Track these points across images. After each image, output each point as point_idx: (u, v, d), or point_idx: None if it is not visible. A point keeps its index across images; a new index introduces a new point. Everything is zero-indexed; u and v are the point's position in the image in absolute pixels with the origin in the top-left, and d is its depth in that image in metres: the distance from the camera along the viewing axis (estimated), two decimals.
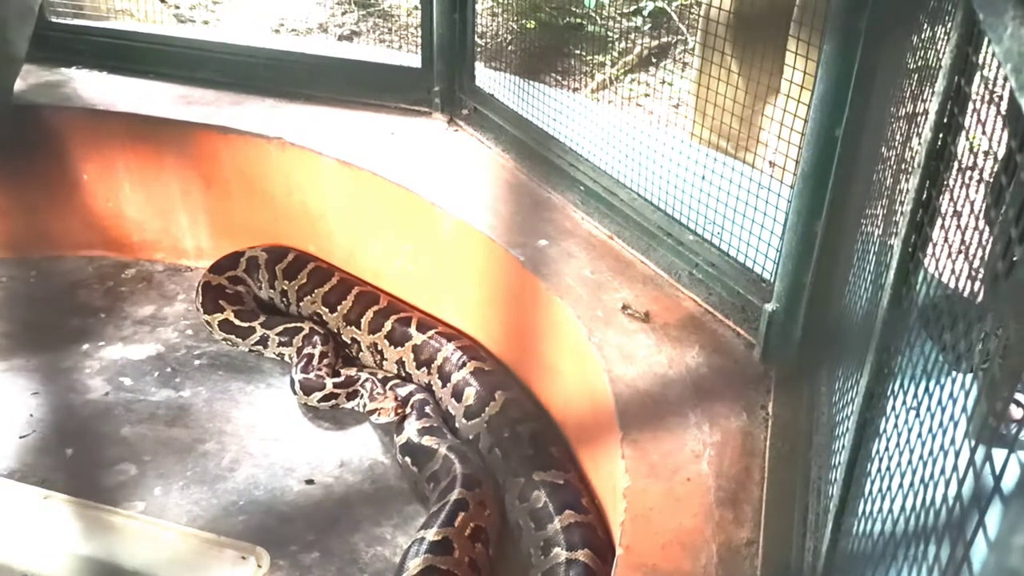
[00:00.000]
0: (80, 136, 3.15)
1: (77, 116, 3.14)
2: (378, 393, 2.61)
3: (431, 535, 2.08)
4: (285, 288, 3.02)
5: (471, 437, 2.51)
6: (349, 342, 2.88)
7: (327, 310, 2.92)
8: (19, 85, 3.05)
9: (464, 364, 2.60)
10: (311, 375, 2.64)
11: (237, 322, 2.87)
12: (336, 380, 2.65)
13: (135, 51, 3.39)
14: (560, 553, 2.04)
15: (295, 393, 2.65)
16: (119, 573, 2.01)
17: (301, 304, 2.99)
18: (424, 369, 2.69)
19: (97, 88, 3.27)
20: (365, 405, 2.61)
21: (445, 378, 2.62)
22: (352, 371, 2.73)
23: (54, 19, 3.37)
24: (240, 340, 2.88)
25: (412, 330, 2.73)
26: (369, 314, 2.82)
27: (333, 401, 2.64)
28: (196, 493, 2.38)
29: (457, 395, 2.57)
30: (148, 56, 3.38)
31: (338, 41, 5.46)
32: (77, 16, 3.48)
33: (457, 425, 2.56)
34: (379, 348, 2.80)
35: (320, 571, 2.18)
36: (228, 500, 2.36)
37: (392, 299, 2.91)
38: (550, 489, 2.20)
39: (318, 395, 2.62)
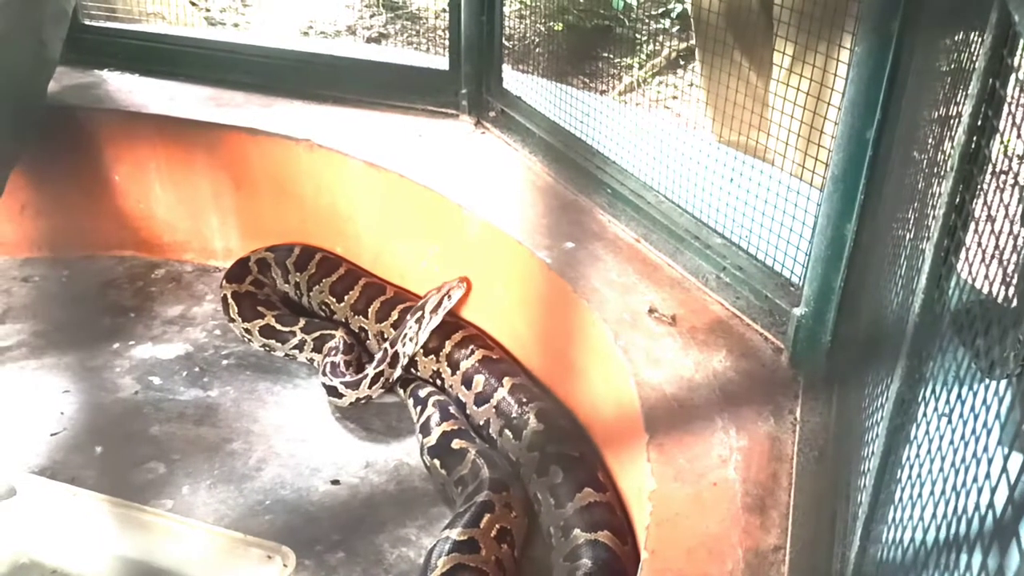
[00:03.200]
0: (112, 137, 3.19)
1: (109, 118, 3.18)
2: (416, 314, 2.65)
3: (456, 535, 2.08)
4: (298, 280, 3.06)
5: (481, 423, 2.55)
6: (357, 331, 2.92)
7: (334, 300, 2.96)
8: (53, 87, 3.09)
9: (472, 352, 2.64)
10: (346, 378, 2.65)
11: (279, 327, 2.88)
12: (371, 365, 2.65)
13: (167, 53, 3.42)
14: (580, 535, 2.06)
15: (341, 396, 2.64)
16: (147, 571, 2.03)
17: (311, 294, 3.03)
18: (432, 356, 2.71)
19: (129, 90, 3.30)
20: (419, 321, 2.63)
21: (454, 366, 2.66)
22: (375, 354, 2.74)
23: (87, 22, 3.41)
24: (280, 344, 2.89)
25: None
26: (376, 304, 2.88)
27: (382, 380, 2.64)
28: (223, 492, 2.39)
29: (467, 383, 2.62)
30: (179, 58, 3.41)
31: (366, 43, 5.49)
32: (110, 19, 3.52)
33: (468, 412, 2.60)
34: (385, 336, 2.83)
35: (345, 571, 2.18)
36: (254, 499, 2.37)
37: (399, 290, 2.96)
38: (567, 463, 2.24)
39: (367, 382, 2.62)
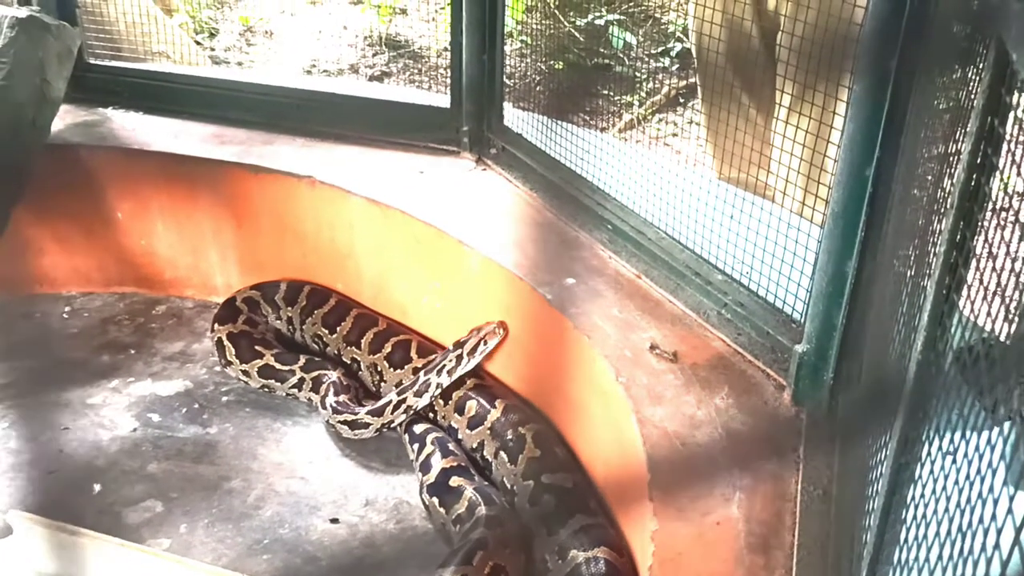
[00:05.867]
0: (115, 175, 3.20)
1: (112, 155, 3.20)
2: (455, 351, 2.61)
3: (449, 573, 2.06)
4: (290, 315, 3.06)
5: (474, 446, 2.56)
6: (350, 362, 2.93)
7: (327, 331, 2.97)
8: (57, 125, 3.11)
9: (464, 382, 2.65)
10: (367, 407, 2.64)
11: (278, 366, 2.86)
12: (394, 391, 2.65)
13: (170, 92, 3.45)
14: (577, 555, 2.05)
15: (367, 426, 2.62)
16: None
17: (303, 327, 3.03)
18: None
19: (132, 128, 3.33)
20: (459, 358, 2.60)
21: (446, 396, 2.66)
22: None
23: (93, 61, 3.44)
24: (279, 384, 2.87)
25: (412, 354, 2.79)
26: (369, 335, 2.88)
27: (404, 405, 2.62)
28: (221, 531, 2.37)
29: (459, 409, 2.63)
30: (183, 96, 3.44)
31: (369, 81, 5.53)
32: (115, 58, 3.55)
33: (460, 437, 2.61)
34: (379, 369, 2.84)
35: None
36: (253, 538, 2.35)
37: (392, 322, 2.96)
38: (559, 493, 2.25)
39: (390, 408, 2.61)
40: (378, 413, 2.63)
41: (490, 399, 2.59)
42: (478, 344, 2.60)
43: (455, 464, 2.47)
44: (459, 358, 2.61)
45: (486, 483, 2.44)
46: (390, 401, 2.62)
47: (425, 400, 2.64)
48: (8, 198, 2.79)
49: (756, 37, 3.37)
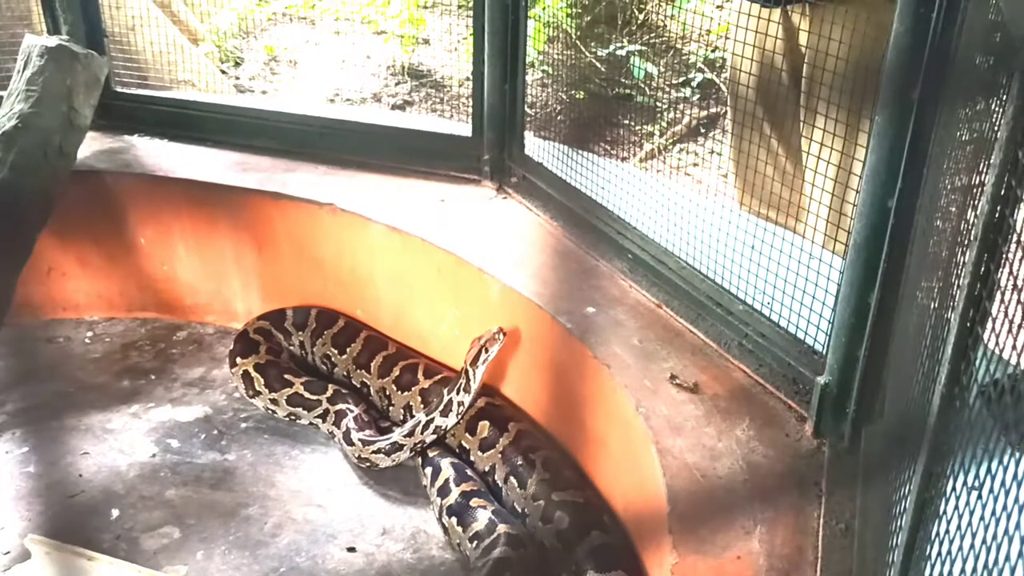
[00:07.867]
0: (139, 201, 3.24)
1: (137, 182, 3.23)
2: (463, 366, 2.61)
3: None
4: (302, 339, 3.09)
5: (486, 469, 2.57)
6: (359, 386, 2.95)
7: (336, 352, 3.00)
8: (83, 152, 3.14)
9: (476, 401, 2.66)
10: (398, 431, 2.65)
11: (307, 395, 2.86)
12: (422, 412, 2.66)
13: (195, 119, 3.49)
14: None
15: (401, 447, 2.62)
16: None
17: (314, 349, 3.06)
18: None
19: (157, 155, 3.36)
20: (467, 373, 2.59)
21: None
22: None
23: (119, 89, 3.49)
24: (306, 412, 2.87)
25: (419, 375, 2.81)
26: (379, 359, 2.91)
27: (433, 426, 2.62)
28: (237, 558, 2.36)
29: (471, 430, 2.64)
30: (207, 124, 3.48)
31: (391, 110, 5.58)
32: (141, 86, 3.60)
33: (472, 459, 2.62)
34: (387, 393, 2.86)
35: None
36: (269, 566, 2.34)
37: (401, 346, 2.99)
38: (571, 509, 2.27)
39: (419, 427, 2.61)
40: (410, 434, 2.63)
41: (503, 422, 2.60)
42: (479, 353, 2.59)
43: (474, 488, 2.47)
44: (467, 373, 2.61)
45: (504, 508, 2.44)
46: (419, 421, 2.63)
47: (452, 420, 2.63)
48: (33, 223, 2.82)
49: (786, 72, 3.36)
